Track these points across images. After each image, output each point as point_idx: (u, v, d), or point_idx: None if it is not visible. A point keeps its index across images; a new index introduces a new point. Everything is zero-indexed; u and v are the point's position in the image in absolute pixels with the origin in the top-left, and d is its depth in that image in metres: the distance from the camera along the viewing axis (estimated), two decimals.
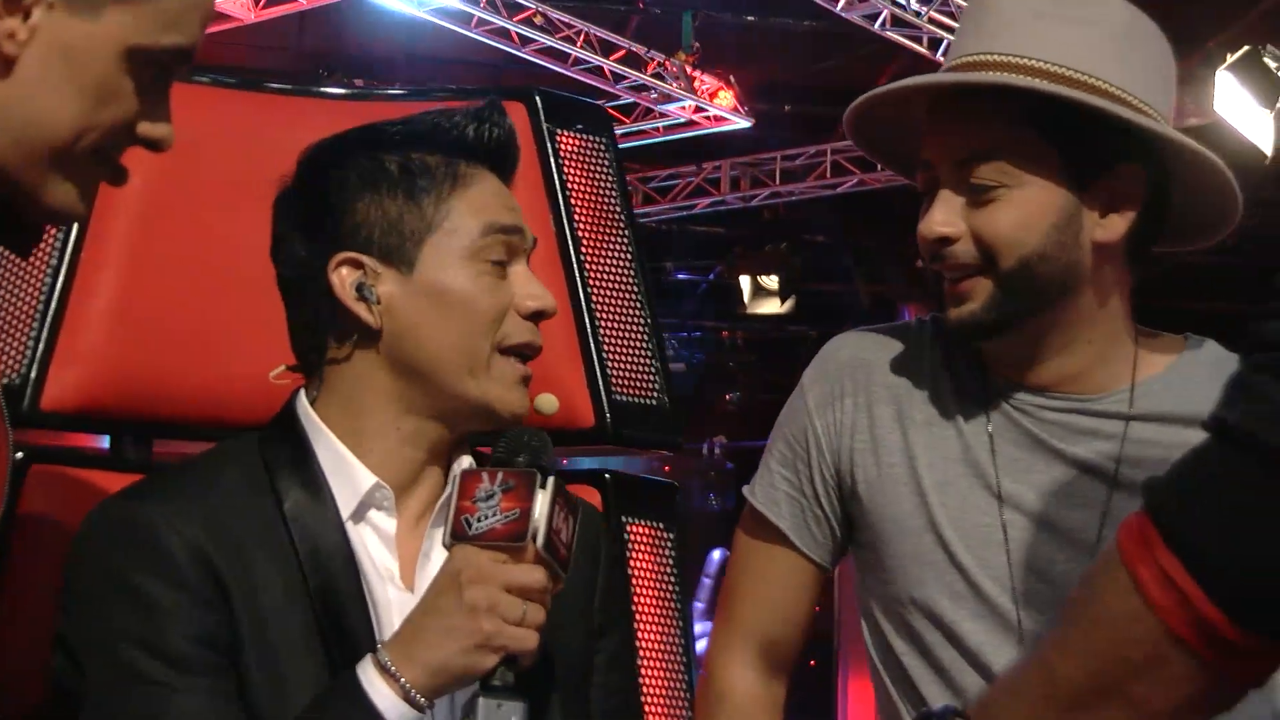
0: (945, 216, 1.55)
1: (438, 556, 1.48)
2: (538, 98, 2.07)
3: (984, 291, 1.56)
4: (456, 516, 1.35)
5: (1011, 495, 1.62)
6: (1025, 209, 1.55)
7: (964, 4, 6.94)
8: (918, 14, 6.97)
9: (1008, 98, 1.54)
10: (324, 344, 1.53)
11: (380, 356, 1.50)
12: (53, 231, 1.87)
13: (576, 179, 2.10)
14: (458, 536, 1.34)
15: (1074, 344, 1.61)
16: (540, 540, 1.33)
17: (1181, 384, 1.64)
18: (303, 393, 1.55)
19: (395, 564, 1.53)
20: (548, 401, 1.60)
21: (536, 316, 1.51)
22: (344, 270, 1.48)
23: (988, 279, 1.55)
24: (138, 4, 1.24)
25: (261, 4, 7.25)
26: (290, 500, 1.48)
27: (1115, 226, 1.56)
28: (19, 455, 1.74)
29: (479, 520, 1.34)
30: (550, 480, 1.35)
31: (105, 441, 1.98)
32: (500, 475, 1.35)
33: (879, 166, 8.88)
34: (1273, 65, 6.80)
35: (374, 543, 1.52)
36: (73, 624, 1.44)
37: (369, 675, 1.34)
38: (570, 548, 1.40)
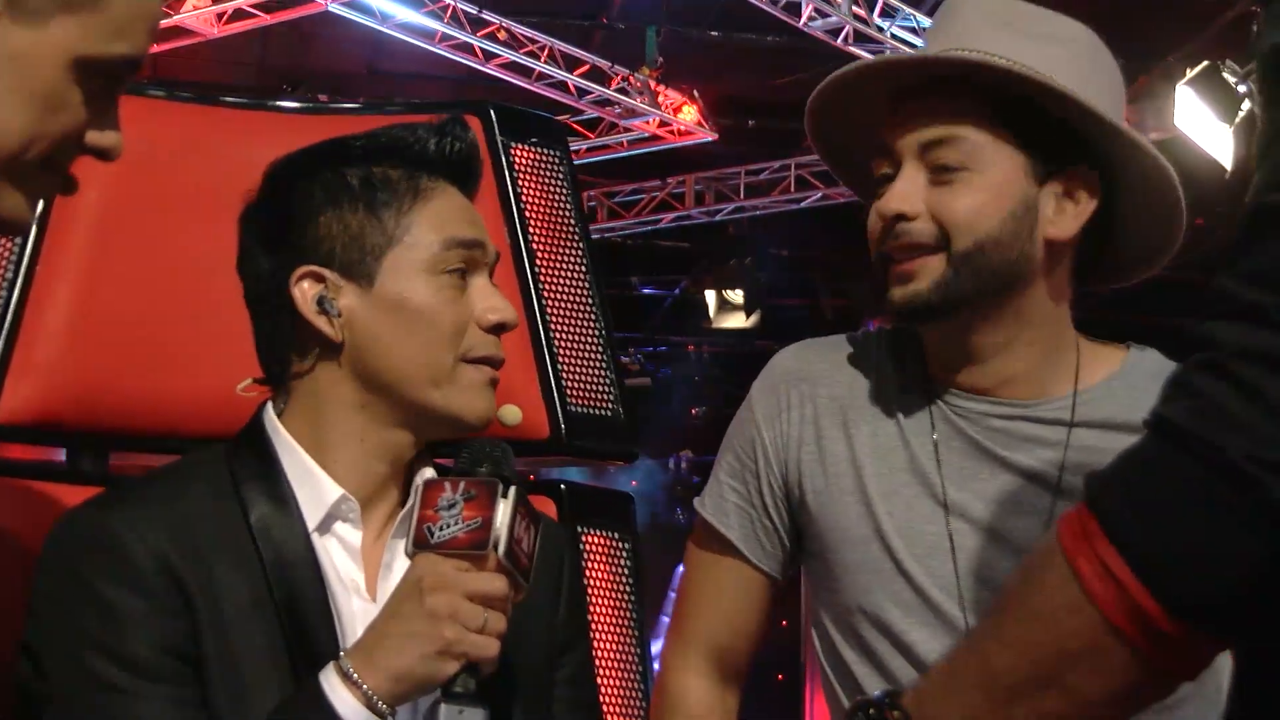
0: (906, 192, 1.56)
1: (399, 567, 1.48)
2: (492, 111, 2.07)
3: (933, 271, 1.57)
4: (419, 525, 1.35)
5: (957, 504, 1.63)
6: (985, 193, 1.57)
7: (926, 21, 7.00)
8: (880, 29, 7.00)
9: (974, 88, 1.56)
10: (288, 357, 1.53)
11: (343, 369, 1.51)
12: (7, 244, 1.87)
13: (531, 192, 2.10)
14: (420, 545, 1.34)
15: (1015, 343, 1.62)
16: (502, 549, 1.33)
17: (1125, 391, 1.65)
18: (269, 405, 1.55)
19: (360, 575, 1.52)
20: (511, 413, 1.60)
21: (498, 329, 1.51)
22: (306, 284, 1.48)
23: (938, 258, 1.57)
24: (84, 13, 1.24)
25: (224, 19, 7.26)
26: (256, 512, 1.48)
27: (1067, 225, 1.58)
28: None
29: (441, 529, 1.34)
30: (512, 490, 1.35)
31: (62, 454, 1.96)
32: (463, 484, 1.35)
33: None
34: (1231, 80, 6.78)
35: (339, 554, 1.52)
36: (38, 630, 1.43)
37: (331, 682, 1.34)
38: (532, 557, 1.40)
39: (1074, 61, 1.60)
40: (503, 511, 1.34)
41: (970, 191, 1.56)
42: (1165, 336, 1.73)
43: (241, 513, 1.48)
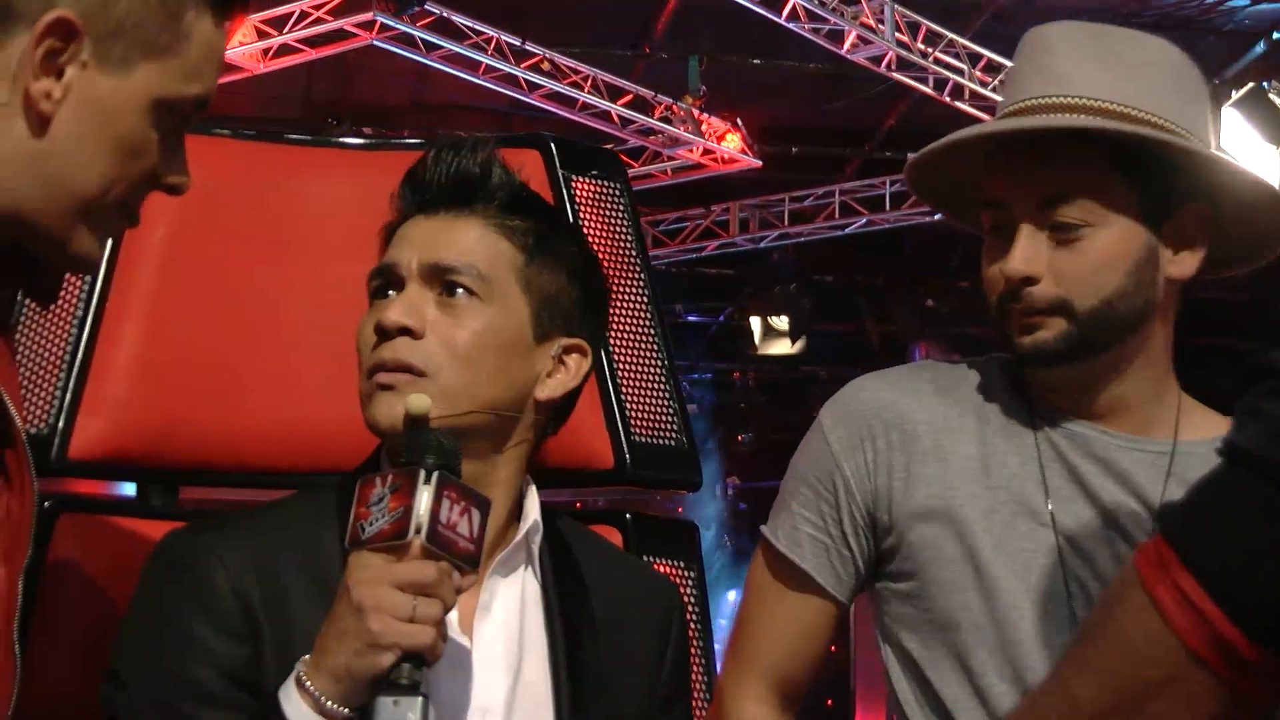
0: (1030, 256, 1.54)
1: (497, 607, 1.51)
2: (552, 145, 2.07)
3: (1058, 325, 1.55)
4: (353, 524, 1.35)
5: (1058, 521, 1.60)
6: (1110, 248, 1.55)
7: (971, 45, 6.99)
8: (923, 55, 6.98)
9: (1086, 139, 1.54)
10: None
11: None
12: (76, 283, 1.88)
13: (592, 224, 2.09)
14: (353, 543, 1.34)
15: (1128, 374, 1.61)
16: (424, 534, 1.32)
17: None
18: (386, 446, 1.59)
19: (454, 613, 1.50)
20: (416, 400, 1.51)
21: (383, 334, 1.51)
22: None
23: (1067, 319, 1.55)
24: (164, 58, 1.27)
25: (270, 55, 7.31)
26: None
27: (1187, 263, 1.57)
28: (47, 504, 1.73)
29: (370, 524, 1.34)
30: (435, 475, 1.34)
31: (132, 489, 1.96)
32: (390, 477, 1.34)
33: (887, 206, 9.09)
34: (1278, 101, 6.81)
35: None
36: (120, 650, 1.45)
37: (287, 690, 1.35)
38: (475, 539, 1.37)
39: (1168, 83, 1.58)
40: (423, 498, 1.32)
41: (1094, 250, 1.54)
42: (1217, 356, 1.72)
43: (339, 541, 1.46)
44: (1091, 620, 1.13)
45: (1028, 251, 1.53)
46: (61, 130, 1.24)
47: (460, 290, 1.53)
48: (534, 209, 1.65)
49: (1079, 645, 1.12)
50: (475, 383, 1.53)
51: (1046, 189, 1.53)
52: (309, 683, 1.33)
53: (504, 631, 1.54)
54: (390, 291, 1.54)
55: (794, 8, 6.77)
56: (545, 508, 1.61)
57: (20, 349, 1.84)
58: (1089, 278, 1.52)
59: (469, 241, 1.55)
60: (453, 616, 1.46)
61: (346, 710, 1.32)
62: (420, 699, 1.29)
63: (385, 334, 1.49)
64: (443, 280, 1.52)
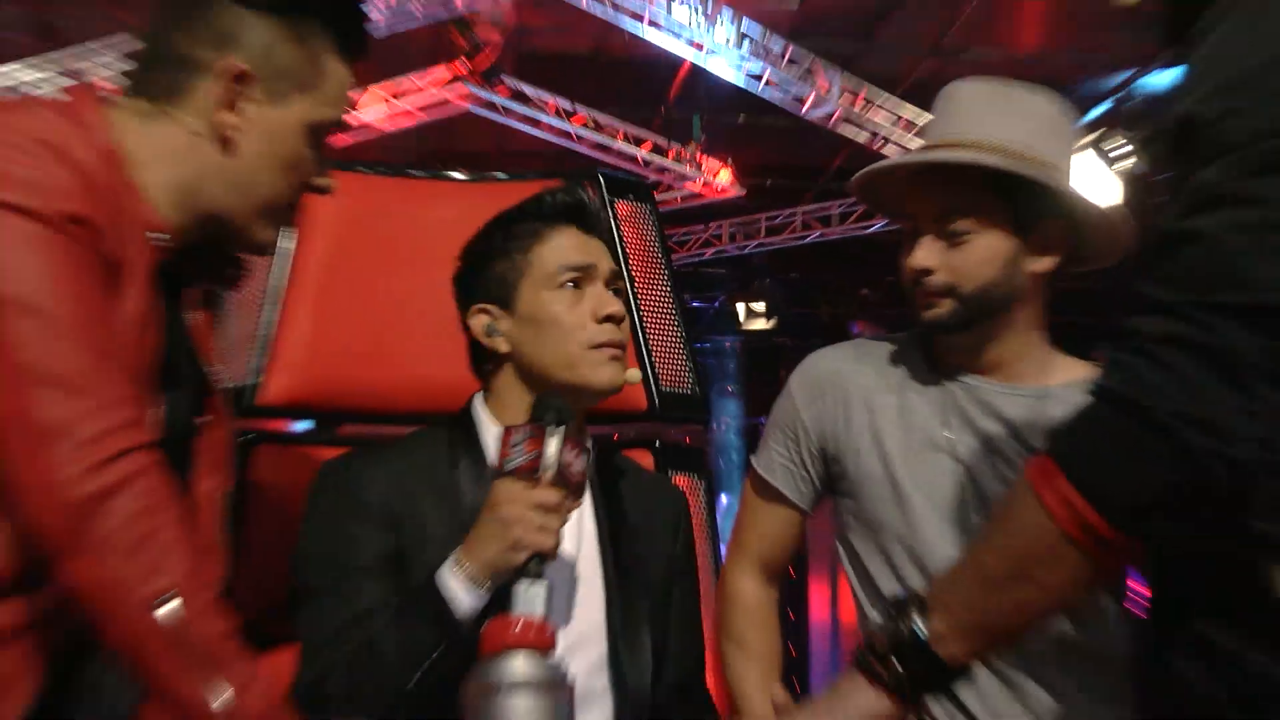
0: (927, 255, 1.52)
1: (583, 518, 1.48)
2: (601, 177, 2.02)
3: (948, 304, 1.54)
4: (499, 460, 1.32)
5: (963, 453, 1.58)
6: (986, 251, 1.51)
7: (889, 109, 6.77)
8: (861, 113, 6.69)
9: (971, 169, 1.49)
10: (482, 366, 1.52)
11: (513, 368, 1.49)
12: (262, 280, 1.84)
13: (630, 233, 2.03)
14: (498, 473, 1.32)
15: (1004, 339, 1.57)
16: (551, 472, 1.30)
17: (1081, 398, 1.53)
18: (479, 393, 1.53)
19: None
20: (633, 374, 1.55)
21: (610, 320, 1.46)
22: (477, 318, 1.49)
23: (955, 299, 1.53)
24: (310, 92, 1.24)
25: (394, 117, 7.18)
26: (462, 466, 1.46)
27: (1046, 263, 1.53)
28: (245, 437, 1.71)
29: (510, 461, 1.31)
30: (560, 428, 1.31)
31: (304, 425, 1.92)
32: (526, 428, 1.31)
33: (835, 223, 9.55)
34: (1117, 143, 6.45)
35: None
36: (301, 547, 1.44)
37: (444, 571, 1.33)
38: (584, 473, 1.35)
39: (1047, 128, 1.54)
40: (552, 445, 1.30)
41: (975, 251, 1.51)
42: (1075, 330, 1.65)
43: (451, 467, 1.46)
44: (996, 514, 1.11)
45: (926, 251, 1.50)
46: (244, 151, 1.21)
47: (615, 290, 1.53)
48: (605, 229, 1.61)
49: (987, 531, 1.11)
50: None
51: (941, 206, 1.50)
52: (463, 567, 1.31)
53: (567, 530, 1.51)
54: (595, 284, 1.48)
55: (767, 79, 6.46)
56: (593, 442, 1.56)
57: (225, 330, 1.79)
58: (971, 271, 1.49)
59: (607, 253, 1.54)
60: None
61: (488, 586, 1.30)
62: (545, 583, 1.27)
63: (614, 319, 1.46)
64: (613, 282, 1.51)
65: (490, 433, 1.48)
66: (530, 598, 1.27)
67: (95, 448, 1.04)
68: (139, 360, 1.15)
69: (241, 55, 1.20)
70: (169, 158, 1.20)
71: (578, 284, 1.46)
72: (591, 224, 1.53)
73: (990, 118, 1.52)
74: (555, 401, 1.33)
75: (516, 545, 1.28)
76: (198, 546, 1.12)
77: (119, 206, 1.13)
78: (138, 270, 1.14)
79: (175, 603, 1.06)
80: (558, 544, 1.29)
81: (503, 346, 1.48)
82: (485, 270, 1.50)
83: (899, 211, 1.58)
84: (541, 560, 1.28)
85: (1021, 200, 1.48)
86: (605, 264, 1.50)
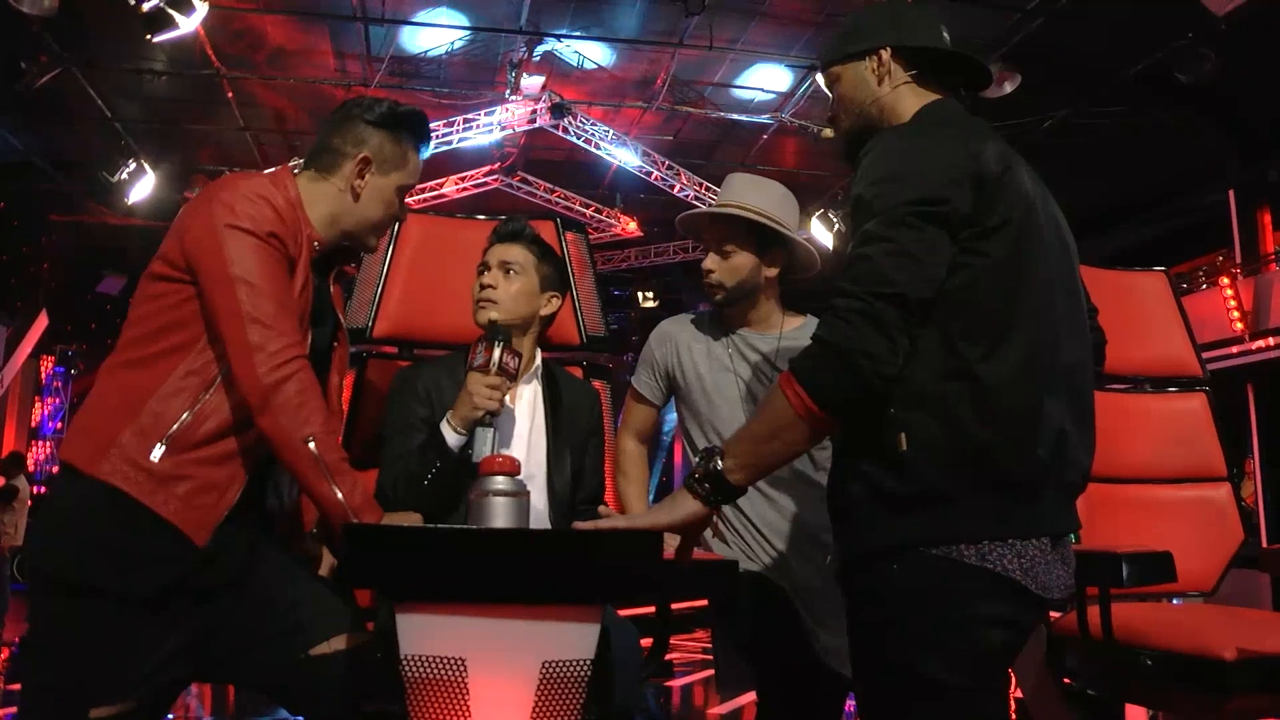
0: (711, 263, 1.88)
1: (523, 393, 1.83)
2: (558, 219, 2.25)
3: (721, 291, 1.91)
4: (468, 361, 1.65)
5: (739, 372, 1.93)
6: (741, 263, 1.92)
7: (714, 191, 8.42)
8: (702, 196, 9.32)
9: (734, 219, 1.85)
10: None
11: None
12: (377, 269, 2.13)
13: (572, 252, 2.21)
14: (468, 369, 1.65)
15: (758, 308, 1.95)
16: (494, 367, 1.62)
17: (804, 332, 1.98)
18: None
19: (508, 396, 1.79)
20: (493, 312, 1.77)
21: (484, 287, 1.80)
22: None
23: (724, 290, 1.90)
24: (401, 168, 1.60)
25: (461, 190, 9.54)
26: (462, 371, 1.75)
27: (773, 271, 1.91)
28: (363, 355, 2.08)
29: (474, 362, 1.64)
30: (499, 343, 1.64)
31: (394, 349, 2.14)
32: (482, 343, 1.65)
33: (691, 251, 10.23)
34: (831, 216, 9.07)
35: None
36: (386, 412, 1.80)
37: (444, 421, 1.68)
38: (516, 368, 1.65)
39: (780, 203, 1.92)
40: (498, 352, 1.61)
41: (735, 261, 1.90)
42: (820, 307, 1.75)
43: (460, 371, 1.76)
44: (761, 403, 1.30)
45: (711, 262, 1.90)
46: (364, 200, 1.58)
47: (511, 271, 1.80)
48: (538, 241, 1.85)
49: (756, 412, 1.32)
50: (516, 308, 1.83)
51: (719, 237, 1.91)
52: (449, 420, 1.67)
53: (525, 404, 1.81)
54: (485, 272, 1.83)
55: (656, 177, 9.19)
56: (545, 359, 1.88)
57: (357, 294, 2.12)
58: (734, 274, 1.92)
59: (515, 253, 1.82)
60: (507, 397, 1.76)
61: (462, 431, 1.64)
62: (492, 429, 1.62)
63: (485, 287, 1.79)
64: (506, 268, 1.78)
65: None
66: (484, 436, 1.58)
67: (276, 357, 1.42)
68: (302, 309, 1.49)
69: (367, 150, 1.55)
70: (324, 202, 1.56)
71: (484, 270, 1.80)
72: (508, 240, 1.84)
73: (748, 193, 1.90)
74: (500, 330, 1.66)
75: (475, 407, 1.62)
76: (330, 410, 1.46)
77: (297, 228, 1.49)
78: (303, 261, 1.50)
79: (314, 441, 1.41)
80: (500, 407, 1.61)
81: None
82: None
83: (700, 238, 1.96)
84: (492, 415, 1.60)
85: (760, 236, 1.89)
86: (494, 261, 1.80)
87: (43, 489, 11.42)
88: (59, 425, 13.22)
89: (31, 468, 11.48)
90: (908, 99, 1.43)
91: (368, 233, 1.64)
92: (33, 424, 12.95)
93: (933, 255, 1.22)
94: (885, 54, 1.44)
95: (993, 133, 1.36)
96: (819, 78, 1.50)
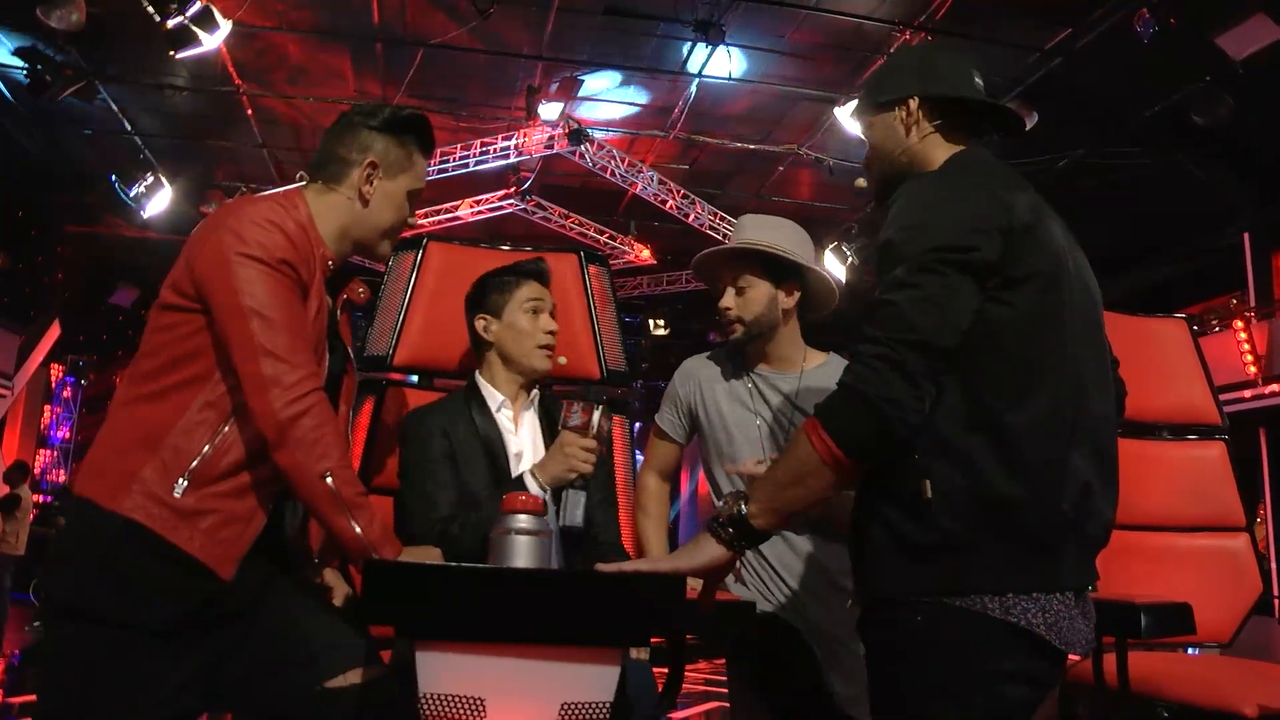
0: (727, 300, 1.87)
1: (526, 421, 1.85)
2: (581, 252, 2.28)
3: (739, 328, 1.90)
4: (564, 418, 1.64)
5: (760, 412, 1.90)
6: (757, 298, 1.90)
7: (730, 224, 8.57)
8: (716, 226, 9.24)
9: (750, 255, 1.85)
10: (479, 350, 1.89)
11: (496, 354, 1.86)
12: (400, 287, 2.13)
13: (595, 282, 2.25)
14: (564, 426, 1.63)
15: (775, 345, 1.92)
16: (594, 430, 1.63)
17: (825, 373, 1.98)
18: (477, 371, 1.86)
19: (512, 427, 1.84)
20: (561, 360, 1.78)
21: (550, 334, 1.84)
22: (479, 321, 1.87)
23: (742, 325, 1.88)
24: (408, 172, 1.58)
25: (475, 212, 9.30)
26: (474, 409, 1.79)
27: (790, 303, 1.90)
28: (384, 383, 2.09)
29: (570, 420, 1.64)
30: (601, 405, 1.65)
31: (414, 379, 2.17)
32: (580, 404, 1.65)
33: None
34: (844, 249, 8.82)
35: (505, 421, 1.82)
36: (402, 457, 1.80)
37: (528, 473, 1.67)
38: (610, 433, 1.76)
39: (792, 237, 1.93)
40: (598, 416, 1.62)
41: (751, 295, 1.89)
42: (839, 347, 2.01)
43: (468, 412, 1.78)
44: (785, 449, 1.27)
45: (727, 299, 1.89)
46: (374, 205, 1.56)
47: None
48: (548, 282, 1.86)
49: (780, 457, 1.29)
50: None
51: (735, 273, 1.89)
52: (536, 476, 1.64)
53: (527, 429, 1.86)
54: (543, 313, 1.85)
55: (671, 205, 9.05)
56: (543, 390, 1.89)
57: (378, 323, 2.11)
58: (751, 308, 1.91)
59: (550, 299, 1.85)
60: (511, 428, 1.83)
61: (545, 486, 1.63)
62: (584, 493, 1.60)
63: (550, 333, 1.82)
64: (554, 313, 1.85)
65: (487, 391, 1.80)
66: (577, 500, 1.58)
67: (291, 391, 1.40)
68: (316, 335, 1.48)
69: (373, 155, 1.54)
70: (334, 214, 1.55)
71: (535, 310, 1.81)
72: (545, 280, 1.86)
73: (760, 231, 1.92)
74: (595, 390, 1.62)
75: (570, 469, 1.61)
76: (345, 441, 1.46)
77: (309, 250, 1.48)
78: (316, 284, 1.49)
79: (331, 476, 1.40)
80: (592, 471, 1.61)
81: (492, 340, 1.82)
82: (487, 295, 1.85)
83: (715, 276, 1.95)
84: (583, 477, 1.59)
85: (775, 270, 1.91)
86: (549, 302, 1.82)
87: (47, 498, 11.35)
88: (66, 435, 13.22)
89: (36, 475, 11.42)
90: (936, 148, 1.43)
91: (379, 239, 1.63)
92: (41, 430, 12.88)
93: (957, 302, 1.22)
94: (913, 104, 1.45)
95: (1024, 183, 1.36)
96: (836, 112, 1.46)
